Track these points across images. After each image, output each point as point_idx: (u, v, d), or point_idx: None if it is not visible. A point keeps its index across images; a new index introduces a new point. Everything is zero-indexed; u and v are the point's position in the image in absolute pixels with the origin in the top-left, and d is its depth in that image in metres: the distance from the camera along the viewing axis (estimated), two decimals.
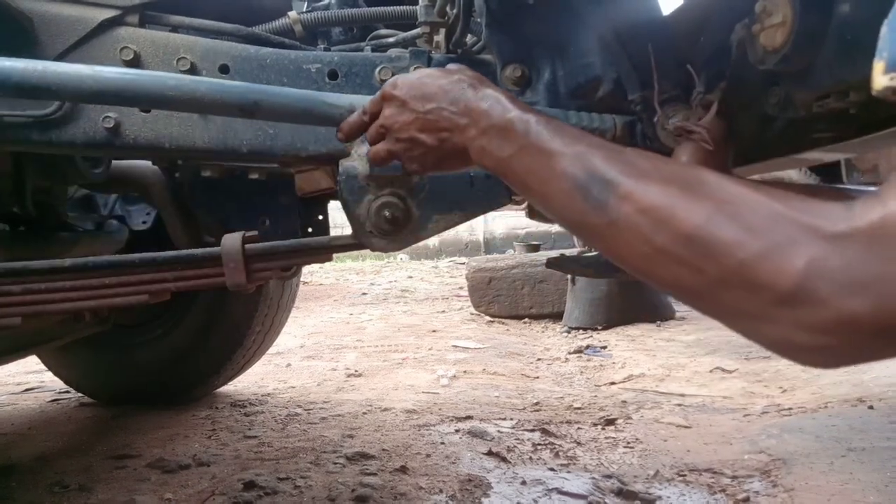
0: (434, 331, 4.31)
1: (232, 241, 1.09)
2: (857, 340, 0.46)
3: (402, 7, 1.19)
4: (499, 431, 2.17)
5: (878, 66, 0.51)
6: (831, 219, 0.47)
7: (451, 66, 0.83)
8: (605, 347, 3.66)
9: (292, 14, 1.17)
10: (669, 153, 0.83)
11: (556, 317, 4.49)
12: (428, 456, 1.94)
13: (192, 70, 1.07)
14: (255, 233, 1.13)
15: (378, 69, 1.06)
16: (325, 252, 1.16)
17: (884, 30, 0.51)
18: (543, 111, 0.80)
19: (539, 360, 3.49)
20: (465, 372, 3.09)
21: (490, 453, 1.95)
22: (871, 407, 2.17)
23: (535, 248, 7.01)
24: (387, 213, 1.03)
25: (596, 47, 0.90)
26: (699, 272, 0.53)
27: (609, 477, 1.79)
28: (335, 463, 1.88)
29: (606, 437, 2.16)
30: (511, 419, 2.33)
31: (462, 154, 0.75)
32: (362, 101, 0.88)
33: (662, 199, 0.55)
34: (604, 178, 0.59)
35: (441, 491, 1.68)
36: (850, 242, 0.46)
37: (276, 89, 0.91)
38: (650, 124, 0.86)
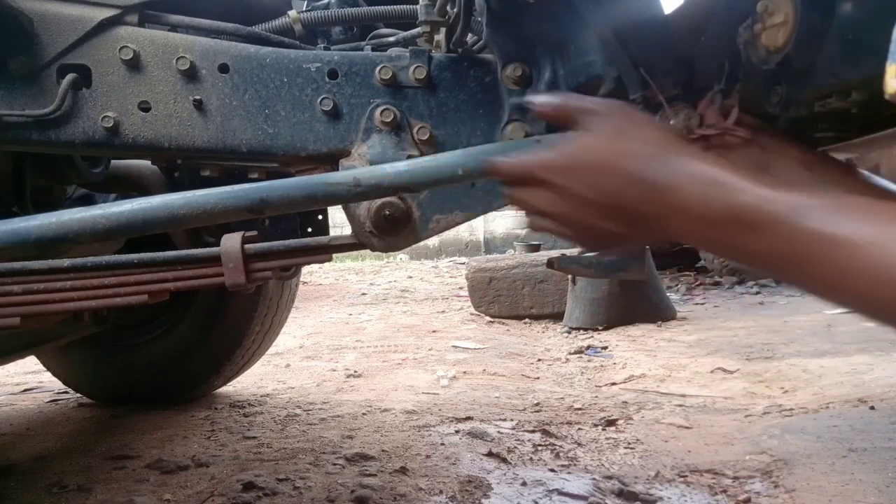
0: (434, 331, 4.31)
1: (231, 241, 1.08)
2: None
3: (402, 6, 1.19)
4: (499, 432, 2.17)
5: (892, 69, 0.51)
6: None
7: (607, 109, 0.64)
8: (605, 348, 3.66)
9: (292, 13, 1.17)
10: None
11: (557, 317, 4.48)
12: (428, 457, 1.93)
13: (192, 69, 1.06)
14: (254, 233, 1.13)
15: (378, 68, 1.06)
16: (324, 252, 1.15)
17: (895, 33, 0.51)
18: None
19: (539, 360, 3.49)
20: (465, 372, 3.09)
21: (490, 454, 1.95)
22: (872, 407, 2.17)
23: (536, 248, 7.01)
24: (387, 213, 1.03)
25: (597, 46, 0.90)
26: None
27: (610, 478, 1.78)
28: (334, 464, 1.87)
29: (607, 438, 2.16)
30: (511, 420, 2.32)
31: (659, 236, 0.61)
32: (364, 172, 0.86)
33: None
34: None
35: (441, 492, 1.68)
36: None
37: (278, 183, 0.91)
38: None
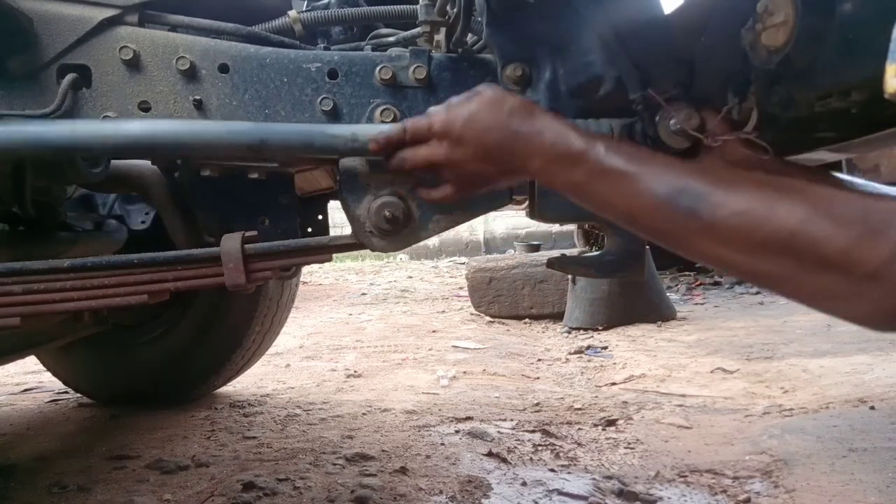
0: (434, 331, 4.31)
1: (231, 241, 1.08)
2: None
3: (402, 6, 1.19)
4: (499, 432, 2.17)
5: (892, 69, 0.51)
6: None
7: (484, 88, 0.81)
8: (605, 348, 3.66)
9: (292, 13, 1.17)
10: (669, 152, 0.83)
11: (557, 317, 4.48)
12: (428, 457, 1.93)
13: (192, 69, 1.06)
14: (254, 233, 1.13)
15: (378, 68, 1.06)
16: (324, 252, 1.15)
17: (895, 32, 0.51)
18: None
19: (539, 360, 3.49)
20: (465, 372, 3.09)
21: (490, 454, 1.95)
22: (872, 407, 2.17)
23: (536, 248, 7.02)
24: (387, 213, 1.03)
25: (596, 46, 0.89)
26: (799, 262, 0.60)
27: (610, 478, 1.78)
28: (334, 464, 1.87)
29: (607, 438, 2.16)
30: (511, 420, 2.32)
31: (520, 176, 0.81)
32: (363, 129, 0.91)
33: (759, 201, 0.62)
34: (692, 189, 0.65)
35: (441, 492, 1.68)
36: None
37: (279, 126, 0.95)
38: (651, 123, 0.86)
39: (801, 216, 0.59)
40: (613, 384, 2.94)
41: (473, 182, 0.84)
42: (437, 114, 0.82)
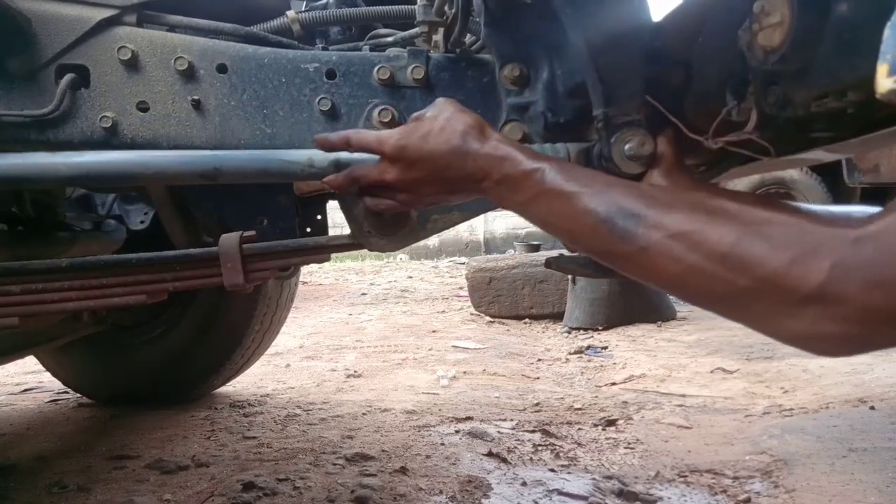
0: (434, 331, 4.31)
1: (230, 240, 1.09)
2: (874, 328, 0.54)
3: (400, 6, 1.19)
4: (499, 432, 2.17)
5: (882, 69, 0.50)
6: (849, 226, 0.55)
7: (441, 104, 0.82)
8: (605, 348, 3.65)
9: (290, 13, 1.17)
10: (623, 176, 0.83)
11: (557, 317, 4.48)
12: (428, 457, 1.93)
13: (190, 69, 1.06)
14: (252, 233, 1.13)
15: (376, 68, 1.06)
16: (323, 252, 1.15)
17: (887, 32, 0.51)
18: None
19: (539, 360, 3.49)
20: (465, 372, 3.09)
21: (490, 454, 1.95)
22: (872, 407, 2.17)
23: (536, 248, 7.02)
24: (385, 213, 1.03)
25: (575, 52, 0.89)
26: (731, 284, 0.59)
27: (610, 478, 1.78)
28: (334, 464, 1.87)
29: (607, 438, 2.16)
30: (511, 420, 2.32)
31: (473, 196, 0.82)
32: (320, 155, 0.90)
33: (692, 224, 0.62)
34: (629, 210, 0.66)
35: (441, 492, 1.68)
36: (866, 245, 0.53)
37: (233, 154, 0.94)
38: (607, 144, 0.84)
39: (733, 239, 0.59)
40: (613, 384, 2.94)
41: (425, 199, 0.85)
42: (388, 137, 0.82)
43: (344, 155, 0.90)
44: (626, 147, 0.83)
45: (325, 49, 1.16)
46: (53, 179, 0.93)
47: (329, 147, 0.88)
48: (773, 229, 0.58)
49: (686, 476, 1.81)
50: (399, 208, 0.88)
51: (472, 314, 4.83)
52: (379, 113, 1.04)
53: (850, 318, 0.53)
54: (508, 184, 0.75)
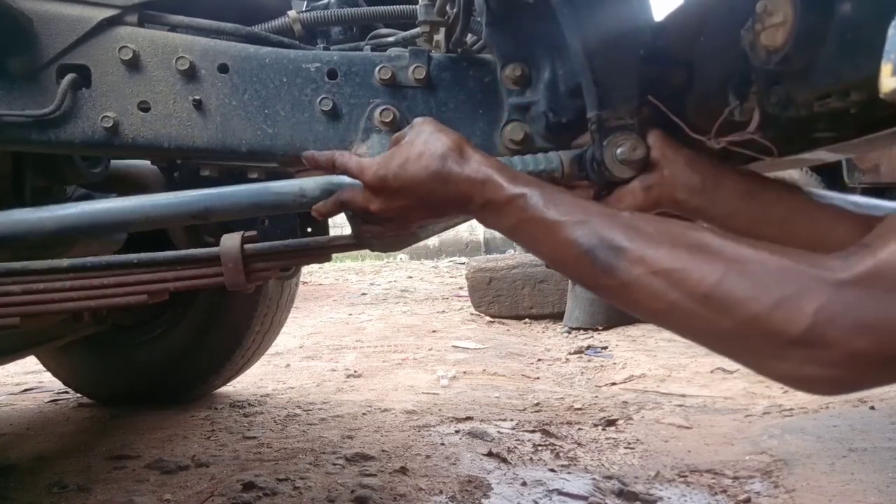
0: (434, 331, 4.31)
1: (231, 241, 1.08)
2: (860, 372, 0.54)
3: (401, 6, 1.19)
4: (499, 432, 2.17)
5: (886, 69, 0.50)
6: (831, 269, 0.55)
7: (419, 125, 0.81)
8: (605, 348, 3.66)
9: (292, 13, 1.17)
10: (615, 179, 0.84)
11: (557, 317, 4.48)
12: (428, 457, 1.93)
13: (192, 69, 1.06)
14: (253, 233, 1.13)
15: (377, 68, 1.06)
16: (324, 252, 1.15)
17: (891, 31, 0.51)
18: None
19: (539, 360, 3.49)
20: (465, 372, 3.09)
21: (490, 454, 1.95)
22: (872, 408, 2.17)
23: None
24: None
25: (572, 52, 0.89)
26: (714, 324, 0.59)
27: (610, 478, 1.78)
28: (334, 464, 1.87)
29: (607, 438, 2.16)
30: (511, 420, 2.32)
31: (461, 216, 0.83)
32: (310, 183, 0.90)
33: (673, 261, 0.61)
34: (610, 243, 0.65)
35: (441, 492, 1.68)
36: (849, 289, 0.53)
37: (223, 191, 0.94)
38: (599, 147, 0.84)
39: (715, 280, 0.58)
40: (613, 384, 2.94)
41: (413, 224, 0.86)
42: (369, 166, 0.82)
43: (335, 180, 0.89)
44: (618, 151, 0.83)
45: (326, 49, 1.16)
46: (41, 235, 0.93)
47: (315, 164, 0.88)
48: (755, 269, 0.58)
49: (686, 476, 1.82)
50: (391, 233, 0.88)
51: (472, 314, 4.83)
52: (380, 113, 1.04)
53: (836, 362, 0.54)
54: (491, 209, 0.75)
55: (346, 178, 0.88)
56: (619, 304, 0.67)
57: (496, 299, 4.70)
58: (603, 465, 1.92)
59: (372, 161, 0.82)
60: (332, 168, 0.86)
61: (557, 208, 0.70)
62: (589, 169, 0.89)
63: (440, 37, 1.09)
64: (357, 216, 0.89)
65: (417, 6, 1.08)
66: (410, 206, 0.80)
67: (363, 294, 6.65)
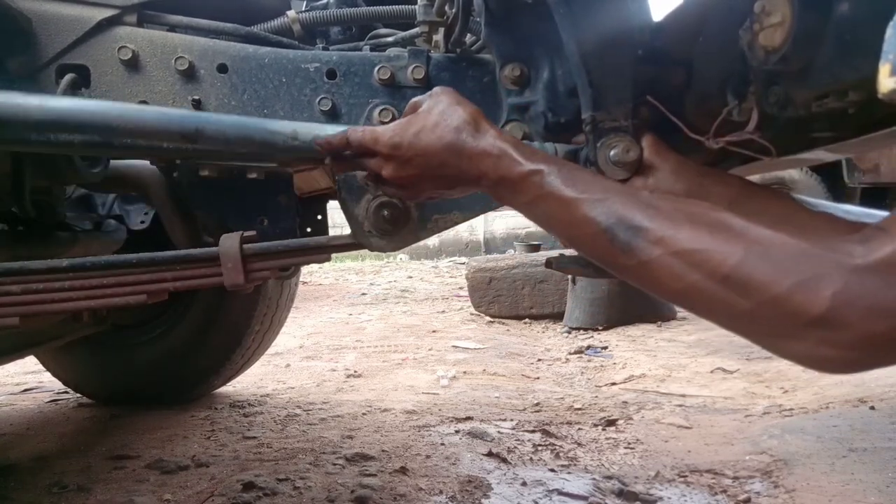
0: (434, 331, 4.31)
1: (230, 240, 1.08)
2: (874, 354, 0.56)
3: (400, 6, 1.19)
4: (499, 432, 2.17)
5: (885, 69, 0.50)
6: (850, 254, 0.56)
7: (437, 94, 0.80)
8: (605, 348, 3.66)
9: (291, 13, 1.17)
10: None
11: (557, 317, 4.48)
12: (428, 457, 1.93)
13: (191, 69, 1.06)
14: (253, 233, 1.13)
15: (377, 68, 1.06)
16: (323, 252, 1.15)
17: (889, 32, 0.51)
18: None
19: (539, 360, 3.49)
20: (465, 372, 3.09)
21: (490, 454, 1.95)
22: (872, 408, 2.17)
23: (536, 248, 7.01)
24: (385, 213, 1.03)
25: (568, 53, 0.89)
26: (734, 305, 0.59)
27: (610, 478, 1.78)
28: (334, 464, 1.87)
29: (607, 438, 2.16)
30: (511, 420, 2.32)
31: (473, 190, 0.81)
32: (305, 127, 0.88)
33: (694, 242, 0.62)
34: (630, 223, 0.65)
35: (441, 492, 1.68)
36: (867, 274, 0.54)
37: (218, 116, 0.91)
38: (593, 148, 0.85)
39: (736, 261, 0.59)
40: (613, 384, 2.94)
41: (424, 194, 0.85)
42: (382, 133, 0.81)
43: (329, 129, 0.87)
44: (612, 153, 0.83)
45: (325, 49, 1.16)
46: (24, 124, 0.86)
47: (331, 149, 0.87)
48: (775, 251, 0.58)
49: (686, 476, 1.82)
50: (402, 196, 0.88)
51: (472, 314, 4.83)
52: (379, 113, 1.04)
53: (852, 344, 0.55)
54: (506, 185, 0.74)
55: (340, 128, 0.87)
56: (637, 283, 0.67)
57: (496, 299, 4.70)
58: (603, 465, 1.92)
59: (386, 128, 0.82)
60: (347, 145, 0.85)
61: (576, 186, 0.69)
62: (582, 163, 0.89)
63: (439, 37, 1.09)
64: (369, 178, 0.87)
65: (416, 6, 1.08)
66: (422, 175, 0.79)
67: (363, 294, 6.66)
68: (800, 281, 0.56)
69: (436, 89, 0.82)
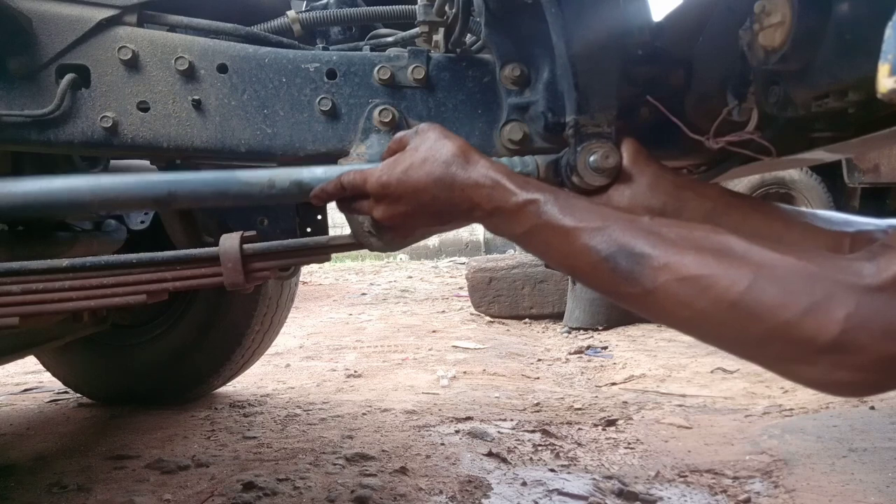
0: (434, 331, 4.31)
1: (230, 240, 1.08)
2: (892, 375, 0.54)
3: (400, 6, 1.19)
4: (499, 432, 2.17)
5: (884, 69, 0.50)
6: (860, 273, 0.55)
7: (424, 130, 0.80)
8: (605, 348, 3.66)
9: (291, 13, 1.17)
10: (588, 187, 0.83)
11: (557, 317, 4.48)
12: (428, 457, 1.93)
13: (191, 69, 1.06)
14: (253, 233, 1.13)
15: (377, 68, 1.06)
16: (323, 252, 1.15)
17: (888, 32, 0.51)
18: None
19: (539, 360, 3.49)
20: (465, 372, 3.09)
21: (490, 454, 1.95)
22: (872, 408, 2.17)
23: None
24: None
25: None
26: (743, 331, 0.58)
27: (610, 478, 1.78)
28: (334, 464, 1.87)
29: (607, 438, 2.16)
30: (511, 420, 2.32)
31: (467, 223, 0.80)
32: (281, 174, 0.88)
33: (700, 267, 0.60)
34: (632, 250, 0.63)
35: (441, 492, 1.68)
36: (878, 295, 0.53)
37: (189, 176, 0.91)
38: (574, 153, 0.84)
39: (744, 287, 0.57)
40: (613, 384, 2.94)
41: (417, 231, 0.84)
42: (371, 174, 0.80)
43: (306, 174, 0.87)
44: (591, 158, 0.82)
45: (325, 49, 1.16)
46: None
47: (328, 199, 0.86)
48: (783, 274, 0.57)
49: (686, 476, 1.82)
50: (398, 238, 0.88)
51: (472, 314, 4.83)
52: (379, 113, 1.04)
53: (867, 367, 0.54)
54: (501, 215, 0.73)
55: (319, 173, 0.87)
56: (642, 312, 0.65)
57: (496, 299, 4.70)
58: (603, 465, 1.92)
59: (373, 169, 0.81)
60: (342, 190, 0.84)
61: (573, 214, 0.68)
62: (563, 174, 0.88)
63: (439, 37, 1.09)
64: (363, 218, 0.88)
65: (416, 6, 1.08)
66: (414, 212, 0.78)
67: (363, 294, 6.66)
68: (811, 304, 0.54)
69: (422, 126, 0.81)
